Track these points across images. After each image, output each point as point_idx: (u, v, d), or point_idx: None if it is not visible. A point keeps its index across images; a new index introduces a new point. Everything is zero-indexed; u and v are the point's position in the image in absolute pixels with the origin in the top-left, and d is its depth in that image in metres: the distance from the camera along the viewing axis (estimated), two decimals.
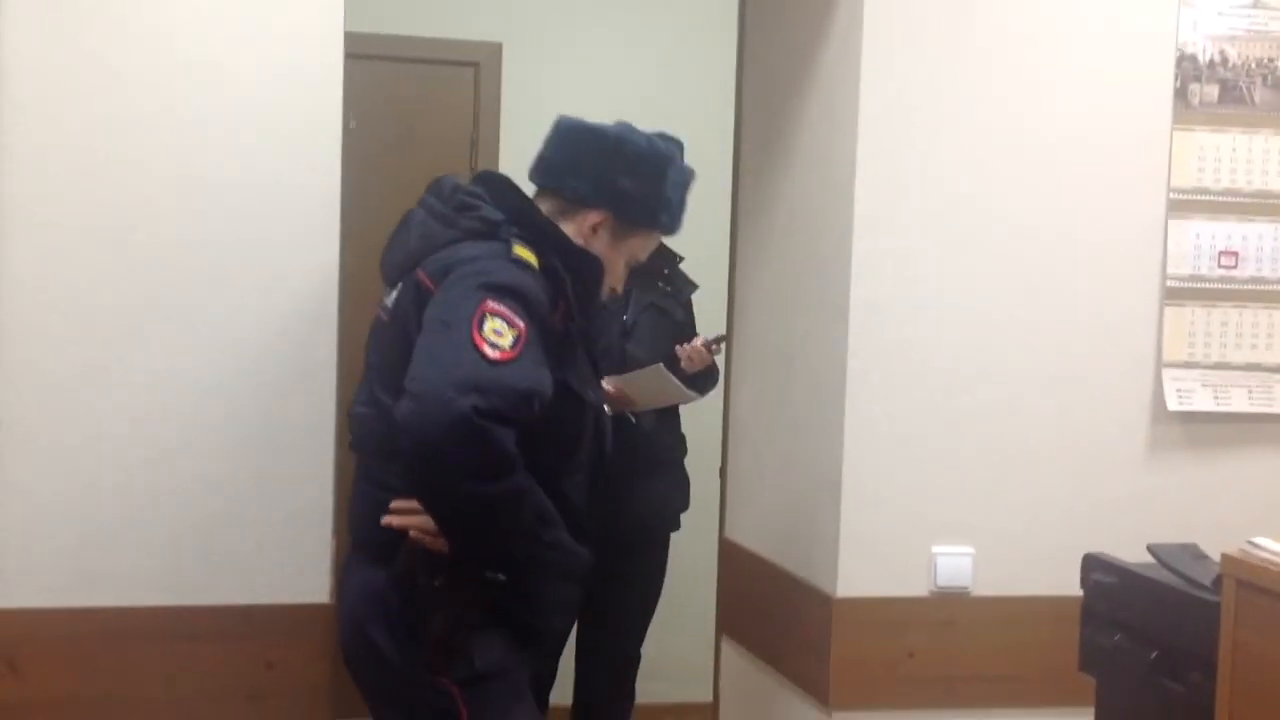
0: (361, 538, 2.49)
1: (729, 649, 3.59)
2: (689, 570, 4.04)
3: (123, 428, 2.68)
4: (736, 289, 3.58)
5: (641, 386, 3.44)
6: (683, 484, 3.96)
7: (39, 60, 2.62)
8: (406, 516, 2.33)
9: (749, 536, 3.46)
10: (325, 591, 2.74)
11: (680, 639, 4.22)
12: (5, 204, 2.61)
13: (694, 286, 3.94)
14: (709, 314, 3.83)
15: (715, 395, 3.69)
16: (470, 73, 4.84)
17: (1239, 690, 1.82)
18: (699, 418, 3.83)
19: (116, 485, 2.68)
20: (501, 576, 2.31)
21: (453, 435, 2.10)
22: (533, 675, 3.77)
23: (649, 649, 3.96)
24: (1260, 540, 1.83)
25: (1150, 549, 2.24)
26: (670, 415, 3.90)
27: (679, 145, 3.58)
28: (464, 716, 2.37)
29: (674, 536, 3.88)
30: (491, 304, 2.20)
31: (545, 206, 2.49)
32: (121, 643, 2.68)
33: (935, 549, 2.98)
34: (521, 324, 2.21)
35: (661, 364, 3.42)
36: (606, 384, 3.45)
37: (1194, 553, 2.17)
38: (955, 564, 2.99)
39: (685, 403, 3.58)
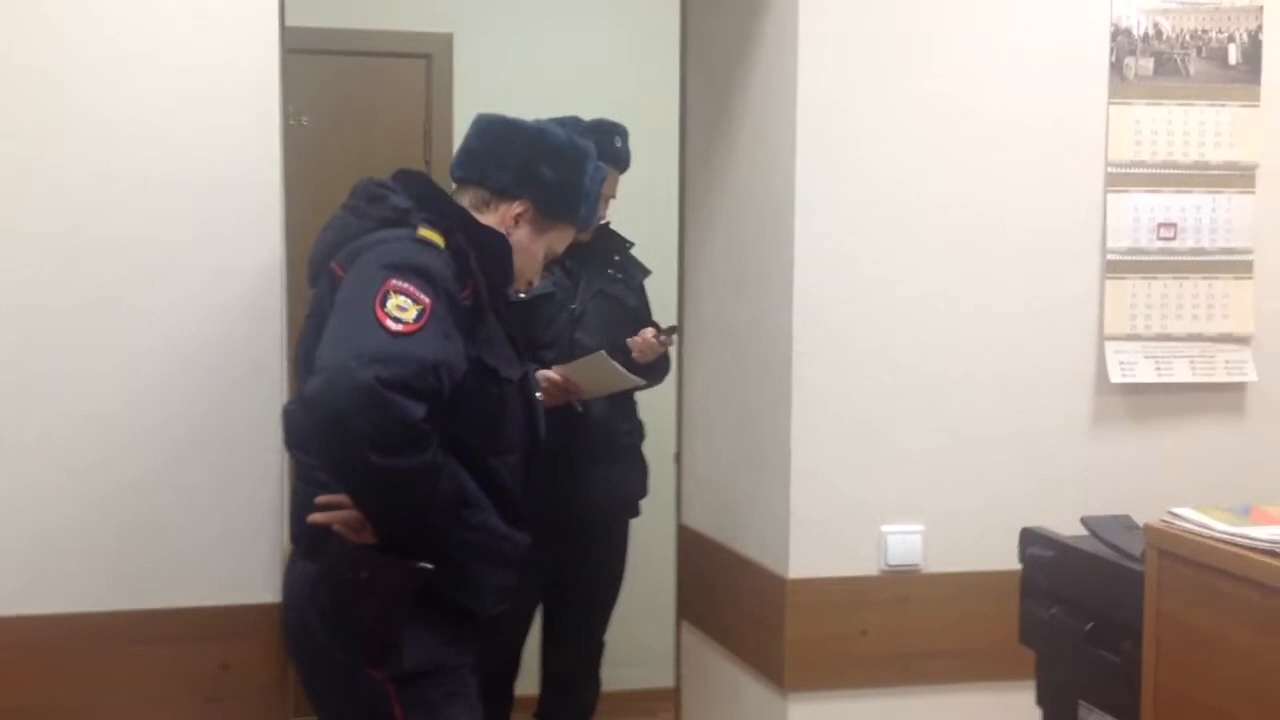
0: (295, 532, 2.52)
1: (689, 634, 3.61)
2: (649, 557, 4.06)
3: (68, 431, 2.68)
4: (686, 276, 3.60)
5: (587, 374, 3.45)
6: (641, 471, 3.97)
7: None
8: (331, 511, 2.36)
9: (704, 522, 3.47)
10: (276, 590, 2.73)
11: (642, 626, 4.24)
12: None
13: (646, 272, 3.95)
14: (663, 301, 3.84)
15: (670, 382, 3.70)
16: (422, 64, 4.84)
17: (1164, 658, 1.85)
18: (656, 405, 3.84)
19: (63, 489, 2.68)
20: (428, 565, 2.33)
21: (356, 405, 2.14)
22: (495, 664, 3.82)
23: (612, 636, 3.97)
24: (1181, 510, 1.85)
25: (1083, 521, 2.26)
26: (626, 402, 3.91)
27: (618, 133, 3.61)
28: (398, 715, 2.39)
29: (634, 523, 3.90)
30: (395, 281, 2.25)
31: (467, 199, 2.56)
32: (75, 649, 2.68)
33: (885, 528, 3.00)
34: (426, 299, 2.26)
35: (604, 351, 3.43)
36: (552, 373, 3.47)
37: (1125, 524, 2.19)
38: (905, 542, 3.01)
39: (631, 388, 3.59)
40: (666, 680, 3.82)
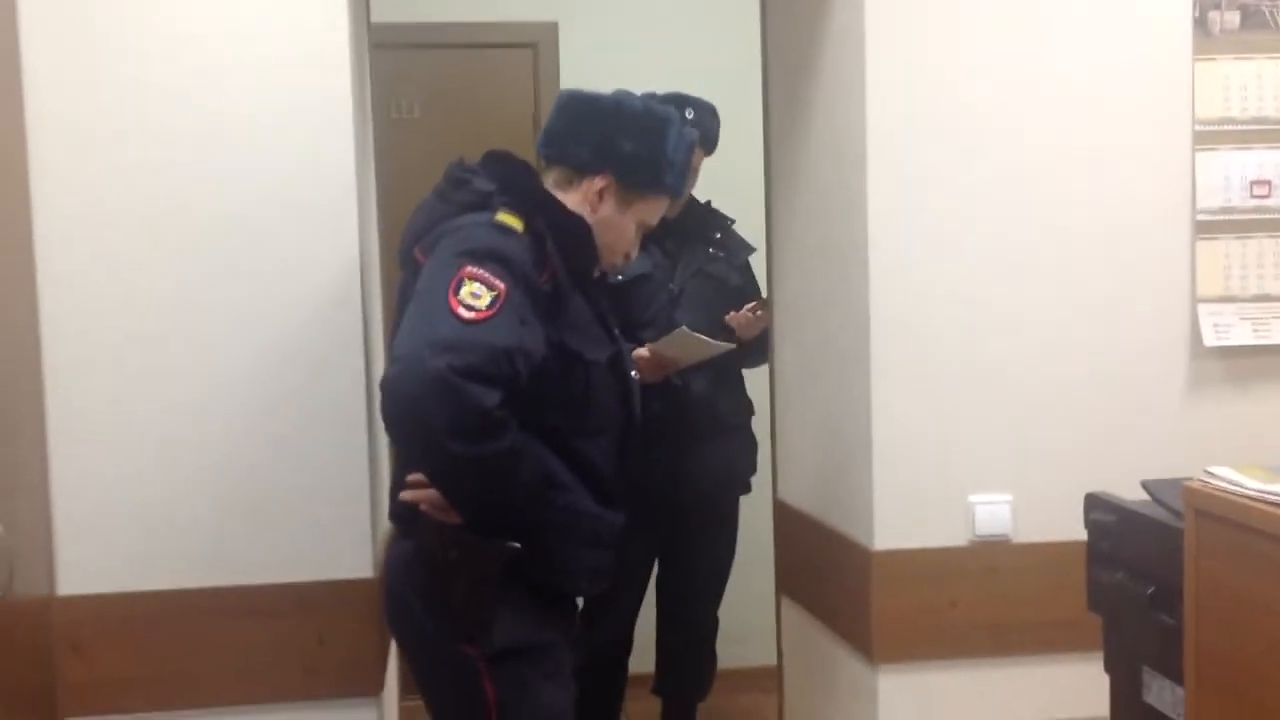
0: (392, 512, 2.58)
1: (788, 610, 3.62)
2: (750, 533, 4.07)
3: (166, 418, 2.79)
4: (774, 252, 3.60)
5: (676, 348, 3.48)
6: (749, 448, 3.99)
7: (61, 73, 2.74)
8: (419, 490, 2.41)
9: (798, 496, 3.48)
10: (369, 566, 2.83)
11: (745, 602, 4.26)
12: (42, 208, 2.73)
13: (751, 249, 3.97)
14: (759, 280, 3.86)
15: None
16: (529, 54, 4.92)
17: (1203, 618, 1.81)
18: (758, 381, 3.87)
19: (163, 473, 2.79)
20: (516, 545, 2.37)
21: (429, 394, 2.17)
22: (608, 641, 3.87)
23: (722, 613, 4.01)
24: (1218, 469, 1.81)
25: (1144, 484, 2.23)
26: (731, 379, 3.93)
27: (695, 106, 3.59)
28: (489, 692, 2.44)
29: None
30: (469, 269, 2.27)
31: (552, 177, 2.56)
32: (177, 623, 2.79)
33: (972, 498, 2.97)
34: (502, 285, 2.27)
35: (684, 326, 3.46)
36: (644, 350, 3.50)
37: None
38: (993, 512, 2.98)
39: (721, 355, 3.61)
40: (768, 657, 3.83)
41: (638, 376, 3.26)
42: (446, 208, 2.49)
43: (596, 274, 2.65)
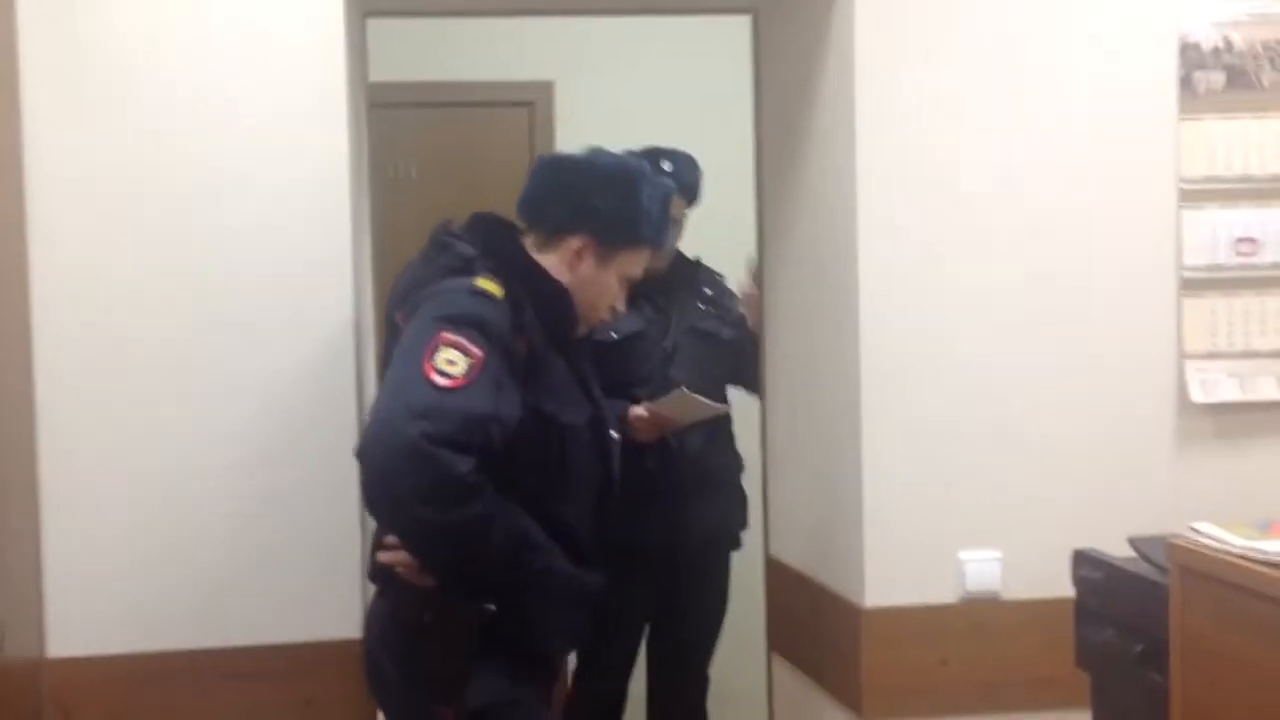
0: (370, 572, 2.59)
1: (779, 667, 3.61)
2: (743, 589, 4.07)
3: (157, 479, 2.81)
4: (767, 308, 3.61)
5: (674, 408, 3.50)
6: (740, 503, 4.00)
7: (60, 133, 2.78)
8: (394, 552, 2.42)
9: (790, 553, 3.48)
10: (357, 627, 2.82)
11: (736, 660, 4.24)
12: (39, 268, 2.77)
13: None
14: None
15: (754, 414, 3.71)
16: (525, 112, 4.96)
17: (1188, 675, 1.81)
18: (739, 435, 3.88)
19: (153, 535, 2.81)
20: (492, 607, 2.38)
21: (401, 461, 2.18)
22: (603, 700, 3.86)
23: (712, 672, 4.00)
24: (1202, 525, 1.82)
25: (1131, 541, 2.23)
26: (723, 435, 3.94)
27: (672, 159, 3.62)
28: None
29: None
30: (446, 335, 2.29)
31: (531, 241, 2.58)
32: (166, 685, 2.79)
33: (962, 554, 2.97)
34: (478, 352, 2.28)
35: (683, 387, 3.47)
36: (641, 410, 3.51)
37: None
38: (983, 569, 2.98)
39: (716, 415, 3.62)
40: (760, 714, 3.82)
41: (634, 435, 3.29)
42: (429, 271, 2.52)
43: (584, 332, 2.66)
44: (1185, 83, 2.99)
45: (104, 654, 2.79)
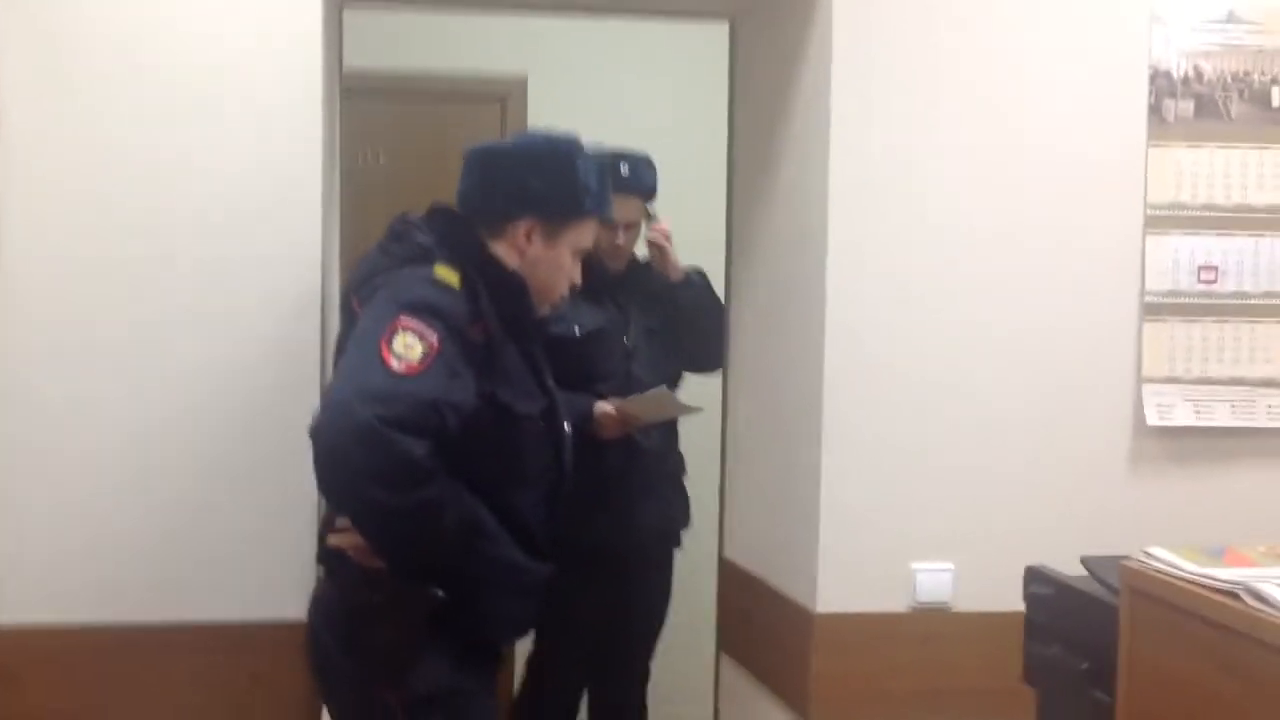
0: (318, 554, 2.60)
1: (727, 668, 3.63)
2: (689, 588, 4.09)
3: (109, 448, 2.81)
4: (731, 311, 3.64)
5: (648, 406, 3.51)
6: (685, 501, 4.02)
7: (27, 113, 2.77)
8: (345, 535, 2.43)
9: (744, 555, 3.50)
10: (303, 607, 2.82)
11: (682, 659, 4.26)
12: (7, 255, 2.76)
13: None
14: None
15: (713, 416, 3.74)
16: (497, 106, 4.95)
17: (1135, 698, 1.84)
18: (697, 436, 3.89)
19: (104, 504, 2.81)
20: (440, 593, 2.39)
21: (355, 443, 2.20)
22: (558, 699, 3.88)
23: (654, 669, 4.02)
24: (1156, 550, 1.85)
25: (1083, 561, 2.26)
26: (672, 434, 3.97)
27: (629, 160, 3.65)
28: None
29: (677, 555, 3.96)
30: (403, 320, 2.31)
31: (480, 231, 2.60)
32: (111, 658, 2.80)
33: (915, 565, 3.01)
34: (433, 337, 2.31)
35: (664, 386, 3.49)
36: (609, 406, 3.53)
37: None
38: (935, 580, 3.01)
39: (689, 414, 3.65)
40: (700, 713, 3.84)
41: (597, 431, 3.31)
42: (387, 260, 2.54)
43: (545, 312, 2.69)
44: (1155, 110, 3.03)
45: (49, 623, 2.79)
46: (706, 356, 3.79)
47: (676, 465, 3.98)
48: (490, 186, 2.60)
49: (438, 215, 2.62)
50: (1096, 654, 2.14)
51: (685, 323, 3.82)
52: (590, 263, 3.09)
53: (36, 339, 2.78)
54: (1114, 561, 2.19)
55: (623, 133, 4.09)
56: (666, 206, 3.96)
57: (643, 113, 4.80)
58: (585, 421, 3.45)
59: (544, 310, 2.68)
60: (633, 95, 4.92)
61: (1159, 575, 1.80)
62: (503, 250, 2.57)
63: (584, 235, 2.67)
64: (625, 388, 3.68)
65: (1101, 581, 2.18)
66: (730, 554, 3.61)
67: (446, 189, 4.70)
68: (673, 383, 3.80)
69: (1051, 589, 2.29)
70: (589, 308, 3.65)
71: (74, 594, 2.80)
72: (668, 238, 3.82)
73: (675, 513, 3.97)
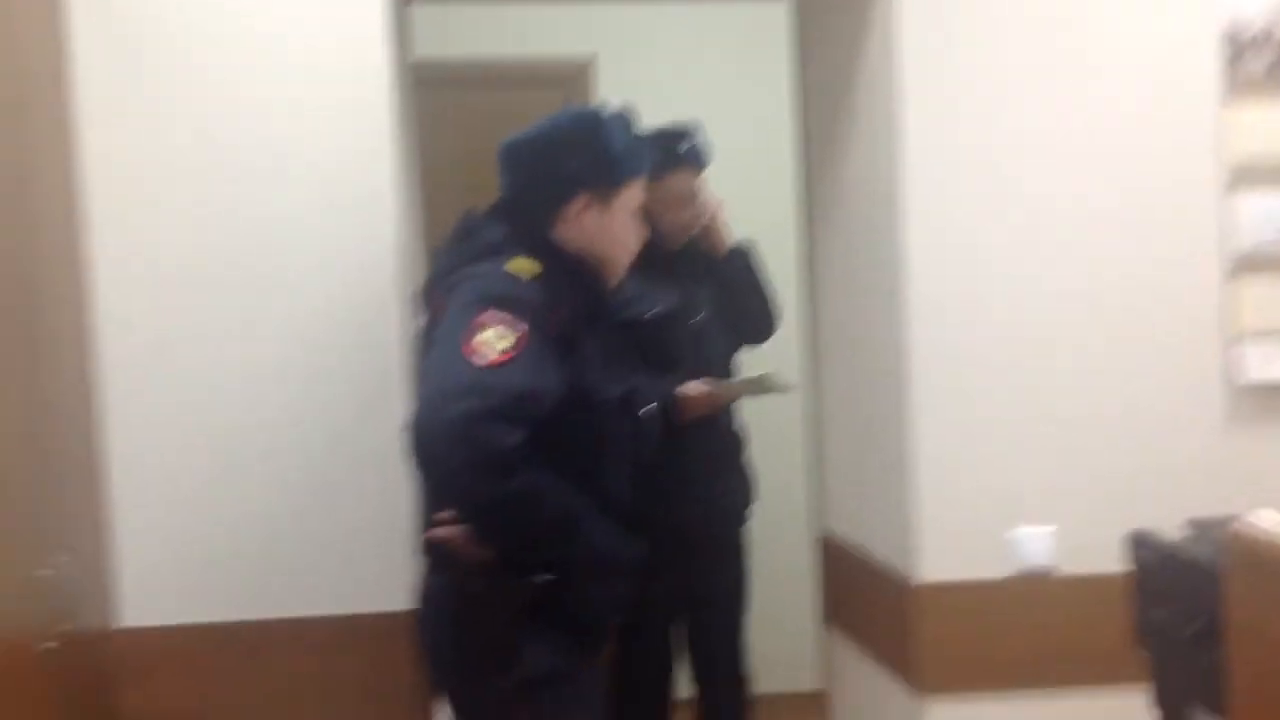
0: (422, 546, 2.65)
1: (835, 639, 3.66)
2: (787, 561, 4.11)
3: (214, 450, 2.88)
4: (815, 285, 3.65)
5: (739, 387, 3.53)
6: (751, 479, 4.01)
7: (111, 123, 2.84)
8: (448, 527, 2.48)
9: (843, 526, 3.52)
10: (404, 598, 2.87)
11: (786, 630, 4.29)
12: (99, 253, 2.84)
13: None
14: (788, 304, 3.89)
15: (804, 393, 3.75)
16: (564, 91, 4.98)
17: (1244, 663, 1.85)
18: (783, 412, 3.89)
19: (209, 507, 2.89)
20: (546, 578, 2.44)
21: (449, 437, 2.24)
22: (650, 670, 3.91)
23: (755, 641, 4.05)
24: (1261, 514, 1.85)
25: (1189, 522, 2.26)
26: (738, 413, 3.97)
27: (687, 135, 3.61)
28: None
29: (768, 530, 3.95)
30: (486, 314, 2.34)
31: (540, 222, 2.62)
32: (233, 655, 2.88)
33: (1015, 530, 3.02)
34: (517, 329, 2.33)
35: (769, 372, 3.49)
36: (701, 386, 3.54)
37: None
38: (1036, 544, 3.02)
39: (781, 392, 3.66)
40: (806, 683, 3.87)
41: (682, 413, 3.33)
42: (460, 257, 2.56)
43: (617, 281, 2.70)
44: (1231, 66, 2.99)
45: (172, 624, 2.88)
46: (755, 330, 3.78)
47: (741, 443, 3.98)
48: (532, 177, 2.61)
49: (503, 209, 2.64)
50: (1204, 616, 2.15)
51: (730, 297, 3.80)
52: (650, 242, 3.11)
53: (139, 352, 2.86)
54: (1219, 522, 2.19)
55: (690, 111, 4.10)
56: (734, 181, 3.97)
57: (710, 91, 4.82)
58: (669, 403, 3.47)
59: (614, 281, 2.70)
60: (698, 74, 4.93)
61: (1264, 540, 1.80)
62: (565, 233, 2.59)
63: (635, 196, 2.67)
64: (697, 368, 3.69)
65: (1208, 543, 2.18)
66: (829, 526, 3.63)
67: None
68: (734, 357, 3.80)
69: (1156, 552, 2.29)
70: (654, 289, 3.64)
71: (193, 594, 2.88)
72: (717, 210, 3.79)
73: (747, 490, 3.97)
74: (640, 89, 4.79)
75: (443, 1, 3.68)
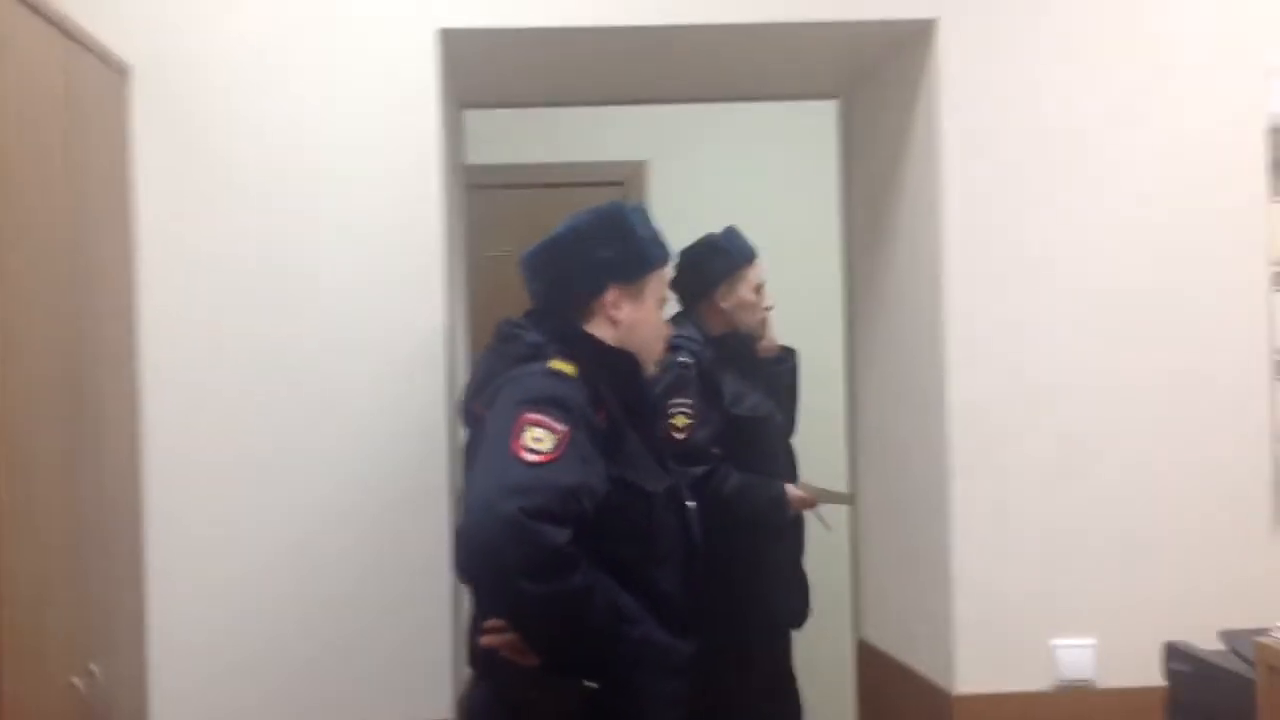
0: (470, 656, 2.62)
1: None
2: (826, 669, 4.04)
3: (257, 562, 2.88)
4: (855, 388, 3.62)
5: (822, 492, 3.52)
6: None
7: (169, 226, 2.88)
8: (497, 635, 2.45)
9: (880, 635, 3.46)
10: (448, 707, 2.86)
11: None
12: (147, 344, 2.87)
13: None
14: (832, 413, 3.87)
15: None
16: (618, 192, 5.02)
17: None
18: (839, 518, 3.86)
19: (253, 616, 2.87)
20: (595, 684, 2.40)
21: (503, 537, 2.22)
22: None
23: None
24: None
25: (1221, 635, 2.20)
26: None
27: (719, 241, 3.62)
28: None
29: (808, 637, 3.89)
30: (530, 415, 2.34)
31: (575, 322, 2.63)
32: None
33: (1055, 641, 2.95)
34: (563, 428, 2.33)
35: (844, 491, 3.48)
36: (797, 490, 3.51)
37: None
38: (1077, 656, 2.95)
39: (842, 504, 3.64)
40: None
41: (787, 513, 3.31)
42: (501, 362, 2.58)
43: (653, 371, 2.71)
44: (1276, 165, 2.97)
45: None
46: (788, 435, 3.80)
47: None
48: (563, 275, 2.63)
49: (539, 313, 2.66)
50: None
51: (778, 399, 3.78)
52: (739, 340, 3.06)
53: (182, 466, 2.87)
54: (1250, 634, 2.13)
55: (740, 210, 4.13)
56: (784, 283, 3.96)
57: (761, 192, 4.84)
58: (780, 499, 3.47)
59: (650, 370, 2.71)
60: (748, 175, 4.96)
61: None
62: (599, 329, 2.61)
63: (661, 285, 2.70)
64: (790, 466, 3.66)
65: (1240, 656, 2.12)
66: (866, 635, 3.57)
67: None
68: None
69: (1190, 665, 2.23)
70: (751, 389, 3.63)
71: (226, 704, 2.85)
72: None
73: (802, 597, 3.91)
74: (693, 192, 4.86)
75: (494, 107, 3.72)
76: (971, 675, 2.94)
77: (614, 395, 2.52)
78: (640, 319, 2.63)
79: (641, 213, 2.70)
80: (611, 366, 2.55)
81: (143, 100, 2.87)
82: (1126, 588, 2.96)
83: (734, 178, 4.93)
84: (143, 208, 2.87)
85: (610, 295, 2.60)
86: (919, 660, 3.15)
